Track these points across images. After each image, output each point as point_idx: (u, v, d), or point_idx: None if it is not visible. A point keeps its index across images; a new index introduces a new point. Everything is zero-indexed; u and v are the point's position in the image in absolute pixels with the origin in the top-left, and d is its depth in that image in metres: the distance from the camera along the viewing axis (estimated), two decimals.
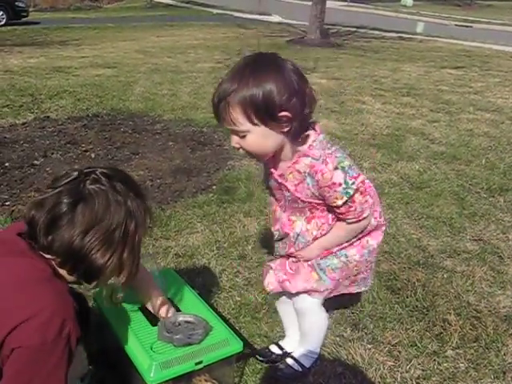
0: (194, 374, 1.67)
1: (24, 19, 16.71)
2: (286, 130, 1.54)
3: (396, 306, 2.42)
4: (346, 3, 27.98)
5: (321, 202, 1.68)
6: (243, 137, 1.55)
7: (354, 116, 5.81)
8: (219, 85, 1.53)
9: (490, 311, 2.42)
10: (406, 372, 2.03)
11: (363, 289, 1.97)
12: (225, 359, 1.68)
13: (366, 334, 2.24)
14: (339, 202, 1.61)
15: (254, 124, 1.51)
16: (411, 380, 1.99)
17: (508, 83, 8.22)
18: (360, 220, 1.69)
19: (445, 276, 2.69)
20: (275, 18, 20.31)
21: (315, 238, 1.77)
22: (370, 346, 2.16)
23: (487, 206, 3.58)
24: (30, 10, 18.22)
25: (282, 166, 1.68)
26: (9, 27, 15.08)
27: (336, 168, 1.58)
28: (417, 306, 2.42)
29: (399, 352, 2.13)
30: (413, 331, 2.25)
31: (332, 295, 1.90)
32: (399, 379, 1.99)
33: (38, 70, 7.83)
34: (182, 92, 6.67)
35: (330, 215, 1.73)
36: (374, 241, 1.82)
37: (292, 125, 1.53)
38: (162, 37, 13.21)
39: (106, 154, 4.31)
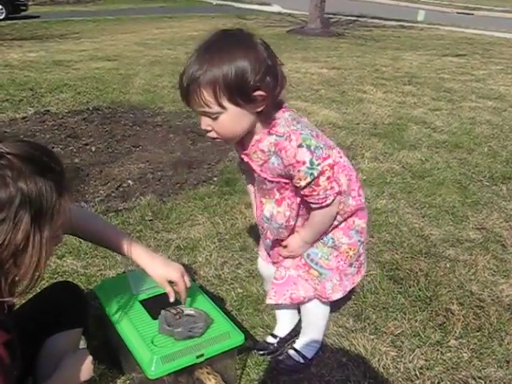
0: (195, 367, 1.67)
1: (23, 13, 16.63)
2: (259, 109, 1.47)
3: (399, 295, 2.41)
4: None
5: (288, 180, 1.60)
6: (215, 118, 1.46)
7: (355, 105, 5.78)
8: (187, 66, 1.42)
9: (493, 300, 2.41)
10: (409, 362, 2.02)
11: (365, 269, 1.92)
12: (226, 352, 1.67)
13: (368, 324, 2.23)
14: (302, 183, 1.52)
15: (228, 105, 1.43)
16: (414, 370, 1.98)
17: (510, 70, 8.17)
18: (323, 206, 1.59)
19: (447, 265, 2.68)
20: (275, 8, 20.24)
21: (288, 219, 1.69)
22: (372, 337, 2.15)
23: (490, 194, 3.56)
24: (30, 3, 18.09)
25: (248, 145, 1.61)
26: (8, 21, 15.00)
27: (300, 145, 1.48)
28: (419, 296, 2.41)
29: (402, 342, 2.13)
30: (416, 321, 2.25)
31: (348, 289, 1.84)
32: (402, 369, 1.98)
33: (38, 63, 7.80)
34: None
35: (299, 195, 1.64)
36: (360, 220, 1.75)
37: (266, 104, 1.46)
38: (162, 29, 13.17)
39: (107, 147, 4.30)
